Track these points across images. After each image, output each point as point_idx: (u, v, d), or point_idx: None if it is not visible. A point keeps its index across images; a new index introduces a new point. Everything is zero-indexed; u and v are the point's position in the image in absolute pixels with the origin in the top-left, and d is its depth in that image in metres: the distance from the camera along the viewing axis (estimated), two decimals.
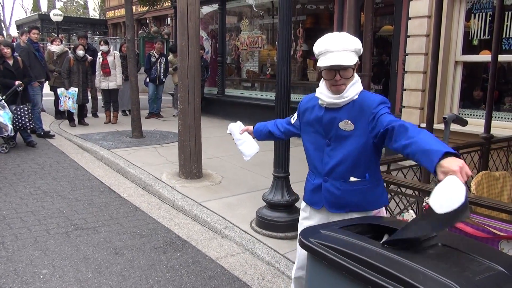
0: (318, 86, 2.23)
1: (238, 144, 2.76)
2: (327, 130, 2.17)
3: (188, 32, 5.31)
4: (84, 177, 5.92)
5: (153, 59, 10.26)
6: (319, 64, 2.08)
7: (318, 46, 2.09)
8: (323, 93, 2.16)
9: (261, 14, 10.70)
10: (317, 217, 2.30)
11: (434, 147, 1.64)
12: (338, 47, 2.02)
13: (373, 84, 8.00)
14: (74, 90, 8.69)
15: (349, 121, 2.10)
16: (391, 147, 1.91)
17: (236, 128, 2.78)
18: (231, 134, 2.80)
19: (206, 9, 11.69)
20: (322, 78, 2.17)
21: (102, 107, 9.86)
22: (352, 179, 2.17)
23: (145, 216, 4.60)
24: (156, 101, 10.63)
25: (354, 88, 2.10)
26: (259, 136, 2.73)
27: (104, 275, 3.34)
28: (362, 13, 6.49)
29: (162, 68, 10.31)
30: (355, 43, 2.06)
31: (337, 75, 2.04)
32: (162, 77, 10.41)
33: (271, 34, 10.41)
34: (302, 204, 2.44)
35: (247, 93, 10.85)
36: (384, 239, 1.68)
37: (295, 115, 2.43)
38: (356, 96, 2.10)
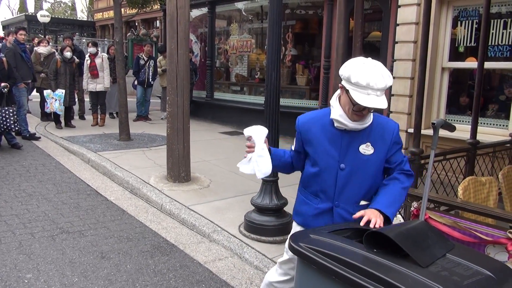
0: (329, 105, 2.14)
1: (259, 155, 2.15)
2: (344, 153, 2.07)
3: (178, 35, 5.29)
4: (70, 180, 5.84)
5: (141, 62, 10.21)
6: (355, 98, 1.92)
7: (359, 77, 1.91)
8: (342, 117, 2.04)
9: (251, 18, 10.72)
10: None
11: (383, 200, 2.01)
12: (380, 86, 1.92)
13: None
14: (61, 92, 8.60)
15: (370, 145, 2.07)
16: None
17: (262, 134, 2.19)
18: (249, 138, 2.21)
19: (195, 13, 11.68)
20: (339, 99, 2.07)
21: (90, 109, 9.77)
22: (362, 202, 2.14)
23: (132, 220, 4.55)
24: (144, 104, 10.57)
25: (370, 115, 2.08)
26: (277, 161, 2.30)
27: (90, 279, 3.29)
28: (351, 18, 6.54)
29: (150, 71, 10.27)
30: (391, 80, 1.98)
31: (365, 109, 2.00)
32: (150, 80, 10.37)
33: (260, 38, 10.44)
34: (296, 229, 2.26)
35: (236, 96, 10.85)
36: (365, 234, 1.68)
37: (294, 144, 2.28)
38: (371, 119, 2.09)
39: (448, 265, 1.53)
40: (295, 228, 2.27)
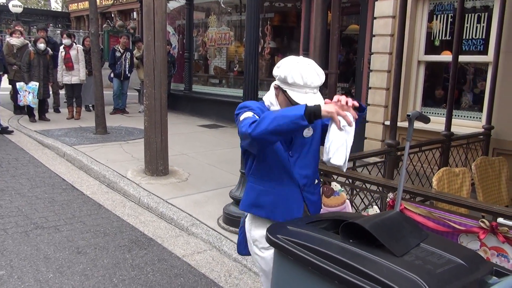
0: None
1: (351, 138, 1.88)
2: (289, 143, 2.08)
3: (155, 27, 5.22)
4: (45, 174, 5.72)
5: (117, 54, 10.04)
6: (294, 98, 1.93)
7: (296, 78, 1.93)
8: None
9: (229, 10, 10.65)
10: None
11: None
12: (316, 84, 1.95)
13: (339, 82, 8.11)
14: (34, 84, 8.40)
15: (310, 127, 2.09)
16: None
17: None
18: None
19: (173, 4, 11.53)
20: (276, 94, 2.07)
21: (65, 102, 9.56)
22: (316, 181, 2.21)
23: (109, 214, 4.49)
24: (121, 96, 10.41)
25: None
26: None
27: (65, 275, 3.24)
28: (329, 11, 6.57)
29: (127, 63, 10.12)
30: (324, 76, 2.00)
31: None
32: (127, 72, 10.21)
33: (239, 30, 10.39)
34: (257, 233, 2.12)
35: (214, 89, 10.79)
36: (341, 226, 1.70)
37: (251, 113, 1.99)
38: None
39: (422, 254, 1.56)
40: (262, 231, 2.05)
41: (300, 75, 1.92)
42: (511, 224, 2.28)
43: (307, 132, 2.10)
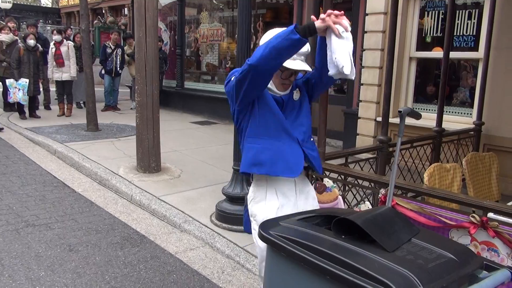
0: None
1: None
2: (281, 107, 2.15)
3: (146, 23, 5.18)
4: (35, 172, 5.67)
5: (108, 50, 9.97)
6: (286, 64, 1.99)
7: None
8: (273, 86, 2.13)
9: (221, 7, 10.61)
10: (292, 192, 2.19)
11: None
12: (304, 49, 2.00)
13: None
14: (24, 81, 8.32)
15: (298, 89, 2.21)
16: (319, 73, 2.16)
17: None
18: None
19: (164, 0, 11.46)
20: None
21: (55, 99, 9.48)
22: (312, 139, 2.27)
23: (101, 212, 4.47)
24: (113, 93, 10.34)
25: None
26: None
27: (57, 273, 3.22)
28: (321, 8, 6.56)
29: (118, 60, 10.04)
30: (309, 47, 2.08)
31: (292, 76, 2.11)
32: (118, 69, 10.14)
33: (231, 27, 10.35)
34: (256, 208, 2.17)
35: (206, 86, 10.76)
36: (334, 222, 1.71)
37: None
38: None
39: (413, 249, 1.57)
40: (257, 198, 2.16)
41: None
42: (501, 219, 2.30)
43: (296, 95, 2.18)
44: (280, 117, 2.10)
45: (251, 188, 2.25)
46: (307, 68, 2.07)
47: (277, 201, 2.15)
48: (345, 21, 1.81)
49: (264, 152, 2.09)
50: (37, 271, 3.23)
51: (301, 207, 2.21)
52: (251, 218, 2.23)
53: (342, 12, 1.84)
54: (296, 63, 2.03)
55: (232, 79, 2.06)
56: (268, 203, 2.15)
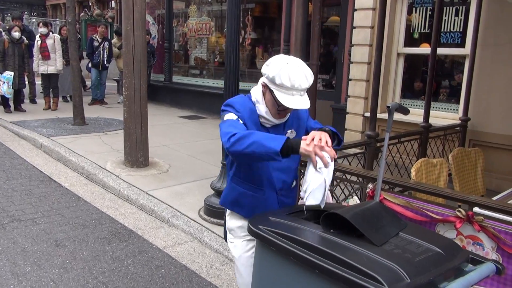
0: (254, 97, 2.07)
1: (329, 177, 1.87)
2: None
3: (134, 16, 5.13)
4: (21, 166, 5.60)
5: (95, 44, 9.84)
6: (281, 99, 1.91)
7: (284, 79, 1.89)
8: (268, 115, 2.03)
9: (209, 0, 10.54)
10: None
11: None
12: (304, 86, 1.93)
13: (320, 74, 8.14)
14: (9, 74, 8.18)
15: (293, 130, 2.13)
16: None
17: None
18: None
19: None
20: (263, 92, 2.04)
21: (41, 92, 9.34)
22: (293, 184, 2.23)
23: (88, 206, 4.43)
24: (100, 87, 10.22)
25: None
26: None
27: (44, 268, 3.19)
28: (310, 3, 6.56)
29: (105, 53, 9.92)
30: (312, 79, 1.97)
31: (289, 109, 2.00)
32: (105, 62, 10.02)
33: (220, 21, 10.29)
34: (232, 224, 2.18)
35: (195, 80, 10.70)
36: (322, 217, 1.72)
37: (231, 115, 2.00)
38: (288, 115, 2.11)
39: (401, 243, 1.59)
40: (237, 222, 2.17)
41: (288, 77, 1.89)
42: (486, 214, 2.34)
43: (290, 134, 2.11)
44: (266, 166, 2.06)
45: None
46: (305, 106, 1.95)
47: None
48: (328, 156, 1.79)
49: (245, 197, 2.14)
50: (23, 266, 3.20)
51: None
52: (228, 232, 2.26)
53: (329, 146, 1.80)
54: (294, 100, 1.93)
55: (224, 119, 1.98)
56: (241, 220, 2.17)
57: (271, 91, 1.97)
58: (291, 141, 1.79)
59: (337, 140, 2.08)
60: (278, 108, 1.99)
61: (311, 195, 1.84)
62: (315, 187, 1.83)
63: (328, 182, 1.85)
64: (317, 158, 1.78)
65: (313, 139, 1.79)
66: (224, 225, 2.35)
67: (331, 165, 1.83)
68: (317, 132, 1.84)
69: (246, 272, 2.13)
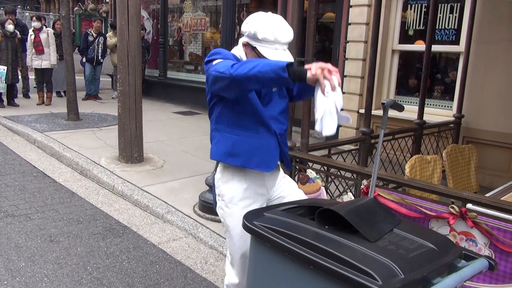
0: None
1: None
2: (261, 93, 2.07)
3: (128, 11, 5.10)
4: (14, 161, 5.57)
5: (90, 38, 9.78)
6: (265, 54, 1.91)
7: (266, 33, 1.91)
8: None
9: None
10: (262, 188, 2.15)
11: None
12: (287, 39, 1.93)
13: None
14: (2, 68, 8.12)
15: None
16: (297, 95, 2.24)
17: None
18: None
19: None
20: (245, 52, 2.03)
21: (35, 87, 9.27)
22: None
23: (82, 202, 4.42)
24: (94, 82, 10.17)
25: None
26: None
27: (38, 263, 3.18)
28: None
29: (100, 48, 9.86)
30: (292, 33, 1.99)
31: None
32: (100, 57, 9.96)
33: (215, 16, 10.25)
34: (235, 192, 2.10)
35: (189, 76, 10.67)
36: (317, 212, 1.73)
37: (220, 58, 1.96)
38: None
39: (395, 240, 1.60)
40: (224, 178, 2.12)
41: (270, 31, 1.90)
42: (479, 210, 2.36)
43: (275, 88, 2.11)
44: (259, 109, 2.02)
45: (218, 169, 2.19)
46: (290, 59, 1.94)
47: (244, 182, 2.11)
48: (335, 79, 1.72)
49: (240, 143, 2.04)
50: (17, 262, 3.18)
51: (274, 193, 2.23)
52: (218, 198, 2.18)
53: (337, 69, 1.75)
54: (278, 54, 1.94)
55: (214, 64, 1.91)
56: (235, 183, 2.11)
57: (254, 48, 1.95)
58: (298, 67, 1.73)
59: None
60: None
61: (325, 126, 1.76)
62: (323, 112, 1.76)
63: (339, 105, 1.77)
64: (326, 82, 1.72)
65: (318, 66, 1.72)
66: (213, 194, 2.25)
67: (338, 89, 1.76)
68: (320, 63, 1.76)
69: (240, 242, 2.07)
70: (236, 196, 2.09)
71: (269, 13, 1.98)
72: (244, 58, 2.04)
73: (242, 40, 2.04)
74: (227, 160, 2.07)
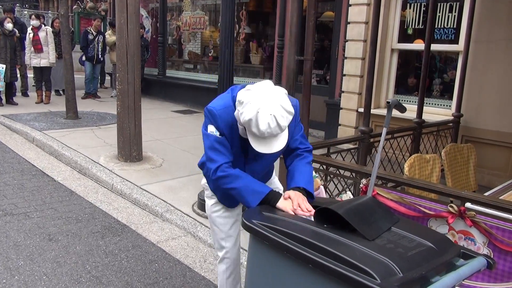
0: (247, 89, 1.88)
1: None
2: (251, 153, 2.03)
3: (127, 9, 5.09)
4: (13, 160, 5.56)
5: (90, 37, 9.74)
6: (252, 144, 1.86)
7: (254, 129, 1.79)
8: (245, 135, 1.97)
9: None
10: (235, 211, 2.34)
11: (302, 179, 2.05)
12: (276, 132, 1.82)
13: (314, 69, 8.14)
14: (1, 67, 8.11)
15: None
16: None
17: None
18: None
19: None
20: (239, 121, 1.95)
21: (33, 85, 9.26)
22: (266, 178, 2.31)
23: (81, 201, 4.42)
24: (93, 81, 10.14)
25: None
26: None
27: (37, 262, 3.18)
28: None
29: (100, 47, 9.83)
30: (289, 119, 1.83)
31: None
32: (100, 56, 9.93)
33: (214, 15, 10.25)
34: (214, 203, 2.32)
35: (189, 74, 10.66)
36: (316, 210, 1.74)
37: (214, 129, 2.01)
38: None
39: (393, 238, 1.60)
40: (215, 205, 2.32)
41: (257, 128, 1.78)
42: (478, 209, 2.37)
43: None
44: (240, 161, 2.10)
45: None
46: (277, 149, 1.88)
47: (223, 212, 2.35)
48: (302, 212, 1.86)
49: (216, 188, 2.26)
50: (16, 260, 3.18)
51: None
52: (204, 189, 2.41)
53: (311, 212, 1.83)
54: (266, 144, 1.86)
55: (208, 132, 2.05)
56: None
57: (245, 130, 1.91)
58: (271, 197, 1.93)
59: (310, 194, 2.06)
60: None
61: None
62: None
63: None
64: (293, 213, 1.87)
65: (291, 200, 1.91)
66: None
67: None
68: (294, 194, 1.93)
69: (217, 229, 2.32)
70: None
71: (266, 98, 1.78)
72: (238, 118, 1.93)
73: (238, 107, 1.89)
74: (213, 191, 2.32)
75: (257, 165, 2.15)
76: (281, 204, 1.91)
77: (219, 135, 2.00)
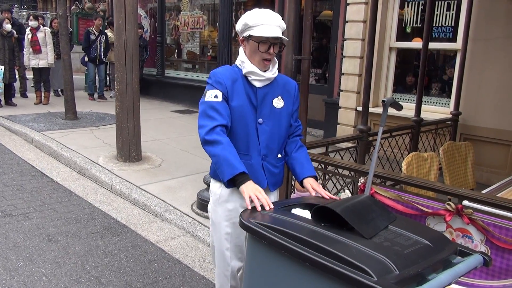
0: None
1: None
2: (260, 108, 2.10)
3: (125, 9, 5.09)
4: (12, 161, 5.57)
5: (92, 37, 9.65)
6: (258, 33, 2.01)
7: (254, 18, 2.03)
8: (255, 69, 2.07)
9: None
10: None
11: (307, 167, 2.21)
12: (275, 22, 2.04)
13: (312, 68, 8.15)
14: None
15: (280, 98, 2.17)
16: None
17: None
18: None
19: None
20: (245, 52, 2.10)
21: (32, 86, 9.26)
22: (279, 155, 2.22)
23: (80, 201, 4.42)
24: (99, 83, 10.08)
25: (276, 65, 2.18)
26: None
27: (36, 263, 3.18)
28: None
29: (102, 47, 9.79)
30: (283, 22, 2.09)
31: (271, 49, 2.06)
32: (102, 56, 9.88)
33: (212, 15, 10.25)
34: (222, 192, 2.14)
35: (187, 74, 10.67)
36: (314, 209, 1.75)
37: (218, 92, 2.05)
38: (277, 72, 2.19)
39: (390, 236, 1.61)
40: (223, 192, 2.14)
41: (259, 16, 2.02)
42: (475, 207, 2.37)
43: (277, 103, 2.15)
44: (251, 131, 2.09)
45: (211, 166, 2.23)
46: (281, 35, 2.05)
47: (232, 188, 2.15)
48: (258, 204, 1.87)
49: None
50: (16, 261, 3.19)
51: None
52: (210, 193, 2.25)
53: (267, 205, 1.87)
54: (271, 29, 2.02)
55: (207, 94, 2.08)
56: (223, 186, 2.15)
57: (249, 38, 2.06)
58: (242, 178, 1.94)
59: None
60: (259, 49, 2.04)
61: None
62: None
63: None
64: (249, 201, 1.90)
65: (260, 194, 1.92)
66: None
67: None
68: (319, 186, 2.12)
69: (219, 240, 2.21)
70: (222, 197, 2.15)
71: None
72: (244, 59, 2.10)
73: (240, 39, 2.14)
74: (216, 177, 2.18)
75: (269, 123, 2.11)
76: (245, 187, 1.91)
77: (216, 96, 2.04)
